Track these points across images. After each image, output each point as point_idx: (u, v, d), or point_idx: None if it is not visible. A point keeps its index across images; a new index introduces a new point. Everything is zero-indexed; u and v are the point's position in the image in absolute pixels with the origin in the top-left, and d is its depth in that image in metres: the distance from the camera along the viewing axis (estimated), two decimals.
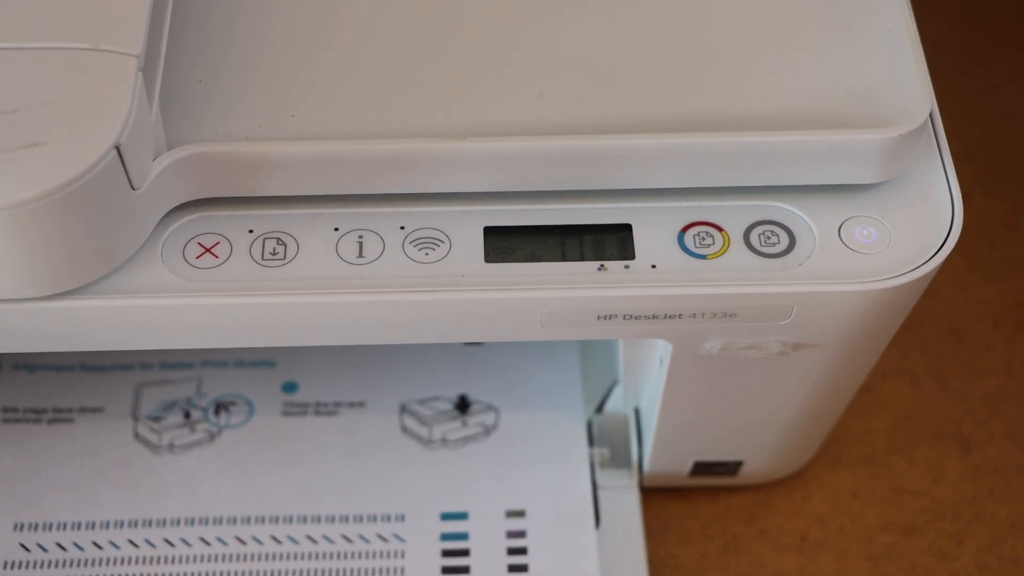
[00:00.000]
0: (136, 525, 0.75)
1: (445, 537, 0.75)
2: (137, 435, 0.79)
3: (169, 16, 0.58)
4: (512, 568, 0.74)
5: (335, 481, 0.77)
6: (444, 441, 0.79)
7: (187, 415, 0.80)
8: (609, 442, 0.80)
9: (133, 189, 0.54)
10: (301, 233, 0.59)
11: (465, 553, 0.74)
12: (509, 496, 0.76)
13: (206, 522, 0.75)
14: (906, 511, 0.81)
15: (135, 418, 0.80)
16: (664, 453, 0.76)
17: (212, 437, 0.79)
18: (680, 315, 0.59)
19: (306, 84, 0.59)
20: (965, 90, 1.02)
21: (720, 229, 0.59)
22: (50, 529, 0.75)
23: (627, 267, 0.58)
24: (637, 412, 0.80)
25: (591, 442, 0.80)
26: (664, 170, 0.58)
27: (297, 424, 0.80)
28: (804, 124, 0.58)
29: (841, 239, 0.59)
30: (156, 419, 0.80)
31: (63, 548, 0.74)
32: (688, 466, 0.79)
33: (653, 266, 0.58)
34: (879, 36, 0.61)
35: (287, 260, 0.58)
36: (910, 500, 0.81)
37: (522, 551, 0.74)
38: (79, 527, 0.75)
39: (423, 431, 0.80)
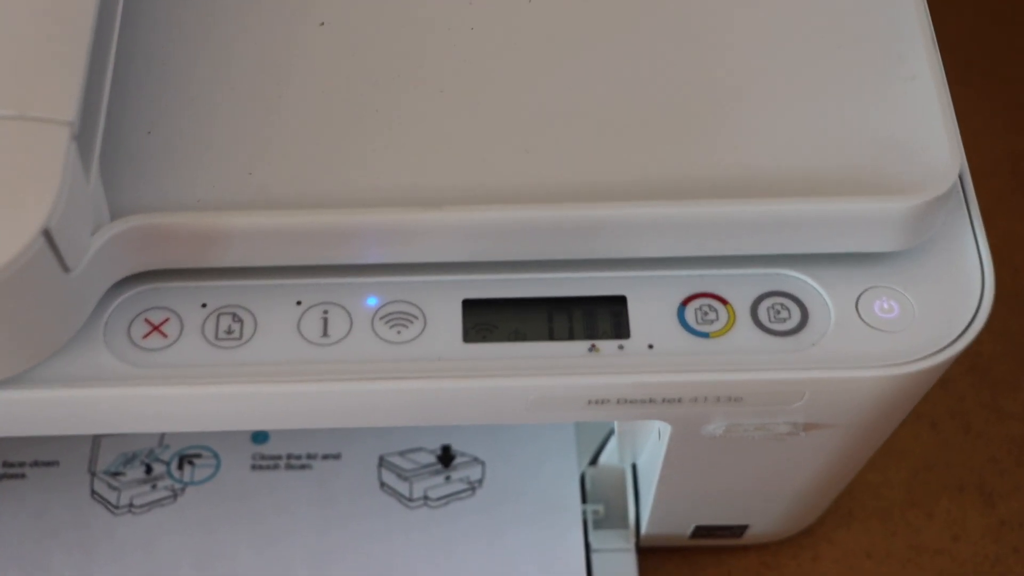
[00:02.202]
0: None
1: None
2: (94, 493, 0.75)
3: (111, 67, 0.53)
4: None
5: (307, 549, 0.72)
6: (426, 499, 0.74)
7: (148, 470, 0.76)
8: (604, 498, 0.76)
9: (67, 271, 0.49)
10: (259, 307, 0.54)
11: None
12: (496, 562, 0.72)
13: None
14: (924, 573, 0.76)
15: (92, 473, 0.75)
16: (663, 516, 0.72)
17: (175, 495, 0.75)
18: (680, 399, 0.54)
19: (266, 138, 0.55)
20: (984, 97, 0.97)
21: (724, 302, 0.55)
22: None
23: (621, 347, 0.54)
24: (635, 467, 0.75)
25: (584, 498, 0.75)
26: (663, 240, 0.54)
27: (267, 480, 0.76)
28: (818, 188, 0.53)
29: (859, 314, 0.54)
30: (115, 474, 0.75)
31: None
32: (689, 529, 0.74)
33: (650, 346, 0.54)
34: (902, 84, 0.56)
35: (243, 340, 0.54)
36: (929, 560, 0.77)
37: None
38: None
39: (403, 487, 0.75)
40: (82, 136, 0.49)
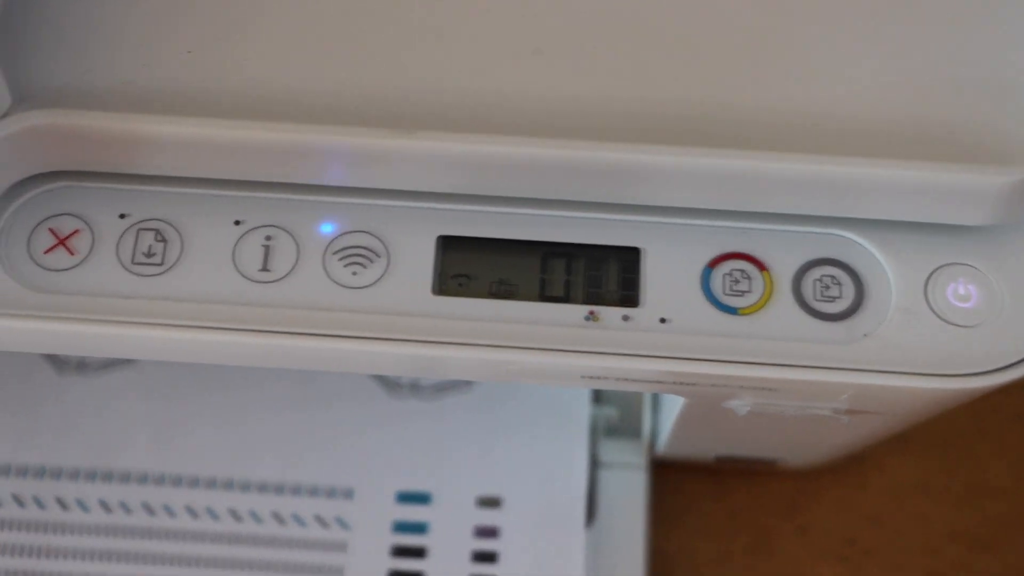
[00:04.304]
0: (26, 475, 0.64)
1: (398, 528, 0.63)
2: None
3: None
4: None
5: (276, 431, 0.65)
6: (415, 388, 0.66)
7: None
8: (618, 402, 0.67)
9: None
10: (189, 225, 0.46)
11: (420, 553, 0.63)
12: (486, 469, 0.64)
13: (109, 478, 0.64)
14: (985, 517, 0.68)
15: None
16: (682, 442, 0.63)
17: None
18: (695, 384, 0.45)
19: (215, 10, 0.45)
20: None
21: (762, 267, 0.45)
22: None
23: (626, 319, 0.44)
24: None
25: (596, 398, 0.67)
26: (697, 193, 0.44)
27: None
28: (898, 144, 0.43)
29: (927, 299, 0.45)
30: None
31: None
32: (711, 456, 0.66)
33: (663, 320, 0.44)
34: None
35: (166, 267, 0.45)
36: (991, 503, 0.68)
37: (491, 557, 0.63)
38: None
39: None
40: None
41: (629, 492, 0.66)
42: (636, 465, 0.67)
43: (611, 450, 0.67)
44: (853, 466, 0.69)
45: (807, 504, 0.69)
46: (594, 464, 0.66)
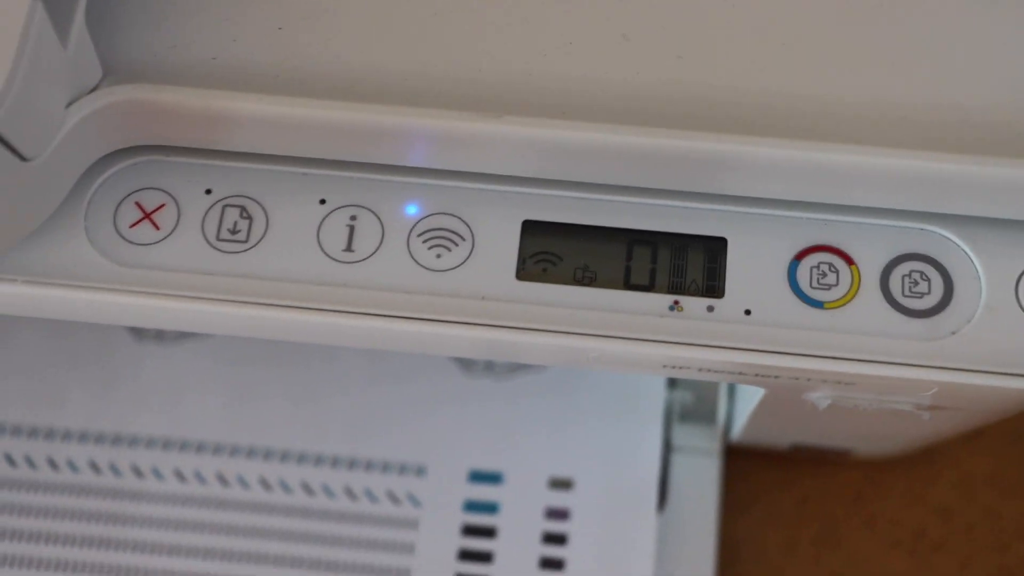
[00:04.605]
0: (103, 442, 0.65)
1: (469, 507, 0.64)
2: None
3: None
4: (546, 563, 0.62)
5: (347, 406, 0.65)
6: (489, 366, 0.66)
7: None
8: (693, 387, 0.67)
9: (24, 160, 0.40)
10: (275, 203, 0.46)
11: (490, 533, 0.63)
12: (558, 456, 0.64)
13: (184, 448, 0.65)
14: None
15: None
16: (757, 431, 0.63)
17: None
18: (778, 377, 0.45)
19: None
20: None
21: (850, 261, 0.45)
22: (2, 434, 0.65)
23: (711, 309, 0.44)
24: None
25: (671, 382, 0.67)
26: (788, 183, 0.44)
27: None
28: (995, 140, 0.42)
29: (1018, 298, 0.44)
30: None
31: (11, 462, 0.64)
32: (787, 444, 0.66)
33: (747, 311, 0.44)
34: None
35: (250, 244, 0.45)
36: None
37: (560, 539, 0.63)
38: (36, 435, 0.65)
39: None
40: None
41: (701, 478, 0.66)
42: (709, 451, 0.66)
43: (685, 435, 0.67)
44: (923, 458, 0.68)
45: (876, 495, 0.68)
46: (667, 448, 0.66)
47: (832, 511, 0.68)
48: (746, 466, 0.68)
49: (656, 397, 0.66)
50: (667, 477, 0.65)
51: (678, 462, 0.66)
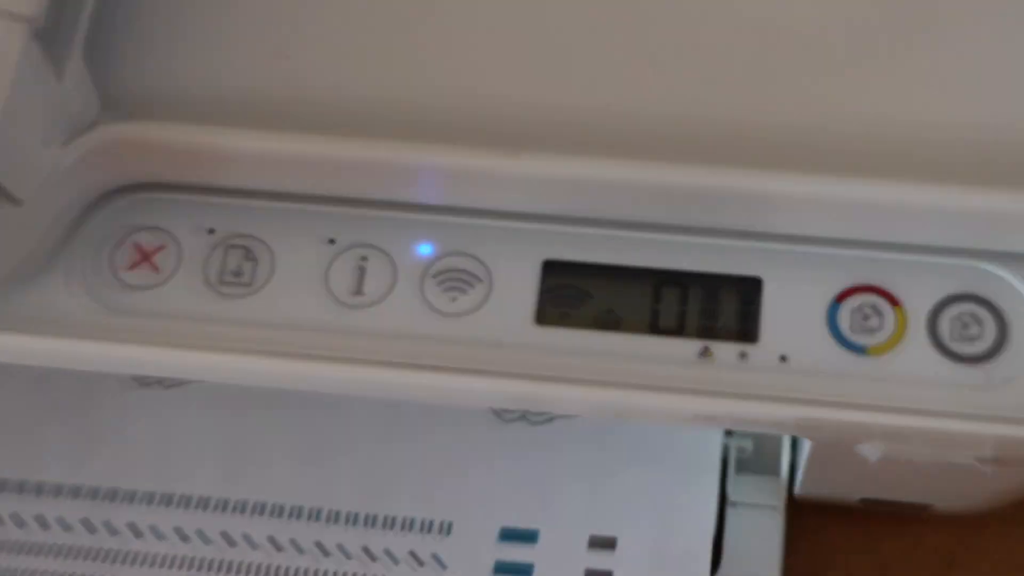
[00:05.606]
0: (96, 496, 0.72)
1: (500, 569, 0.70)
2: None
3: None
4: None
5: (363, 464, 0.72)
6: (525, 414, 0.73)
7: None
8: (753, 433, 0.73)
9: (16, 203, 0.48)
10: (281, 242, 0.54)
11: None
12: (599, 512, 0.71)
13: (186, 504, 0.72)
14: None
15: None
16: (818, 483, 0.70)
17: None
18: (820, 428, 0.52)
19: (307, 18, 0.53)
20: None
21: (895, 302, 0.52)
22: None
23: (743, 356, 0.51)
24: None
25: (728, 430, 0.73)
26: (827, 220, 0.51)
27: None
28: None
29: None
30: None
31: None
32: (855, 499, 0.72)
33: (783, 358, 0.51)
34: None
35: (254, 287, 0.53)
36: None
37: None
38: (21, 489, 0.73)
39: None
40: (53, 29, 0.48)
41: (762, 537, 0.72)
42: (771, 506, 0.72)
43: (742, 487, 0.72)
44: (1022, 513, 0.74)
45: (970, 560, 0.74)
46: (723, 502, 0.72)
47: None
48: (818, 523, 0.74)
49: (711, 444, 0.71)
50: (722, 535, 0.71)
51: (734, 518, 0.72)
